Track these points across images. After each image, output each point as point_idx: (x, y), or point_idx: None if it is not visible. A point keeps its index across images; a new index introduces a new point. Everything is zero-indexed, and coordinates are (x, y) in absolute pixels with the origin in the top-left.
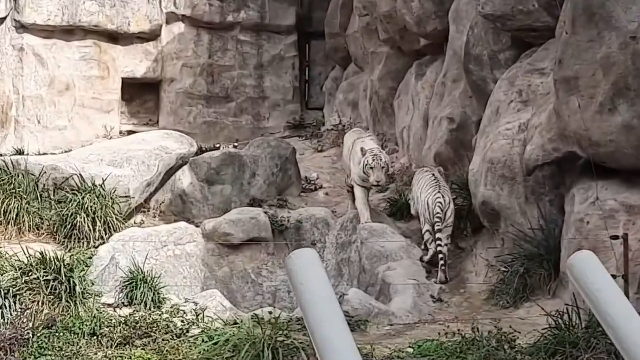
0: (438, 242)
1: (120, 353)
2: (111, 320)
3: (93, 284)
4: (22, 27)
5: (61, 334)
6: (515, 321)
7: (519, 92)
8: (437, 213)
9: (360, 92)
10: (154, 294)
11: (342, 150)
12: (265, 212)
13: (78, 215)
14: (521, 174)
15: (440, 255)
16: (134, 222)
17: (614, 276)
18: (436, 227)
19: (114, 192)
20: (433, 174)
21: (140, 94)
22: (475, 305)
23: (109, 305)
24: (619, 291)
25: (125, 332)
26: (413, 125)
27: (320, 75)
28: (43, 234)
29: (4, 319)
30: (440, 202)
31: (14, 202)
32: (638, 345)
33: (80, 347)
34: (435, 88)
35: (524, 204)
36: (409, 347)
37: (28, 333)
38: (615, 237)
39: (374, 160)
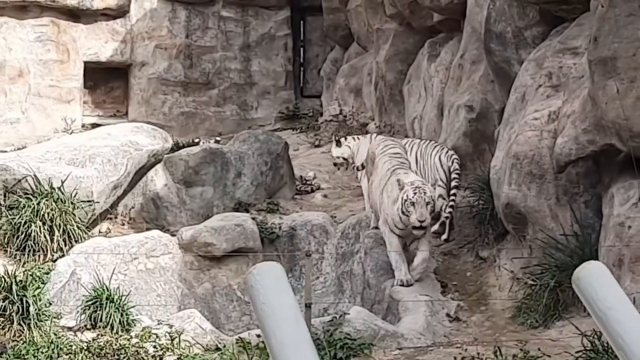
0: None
1: None
2: (71, 346)
3: (50, 304)
4: None
5: None
6: (545, 343)
7: (549, 76)
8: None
9: (364, 77)
10: (122, 315)
11: (367, 174)
12: (253, 219)
13: (33, 224)
14: (551, 171)
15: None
16: (99, 232)
17: None
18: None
19: (75, 196)
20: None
21: (106, 81)
22: (499, 324)
23: (69, 328)
24: (632, 309)
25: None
26: (426, 115)
27: (317, 57)
28: None
29: None
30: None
31: None
32: None
33: None
34: (451, 71)
35: (554, 206)
36: None
37: None
38: None
39: (415, 194)
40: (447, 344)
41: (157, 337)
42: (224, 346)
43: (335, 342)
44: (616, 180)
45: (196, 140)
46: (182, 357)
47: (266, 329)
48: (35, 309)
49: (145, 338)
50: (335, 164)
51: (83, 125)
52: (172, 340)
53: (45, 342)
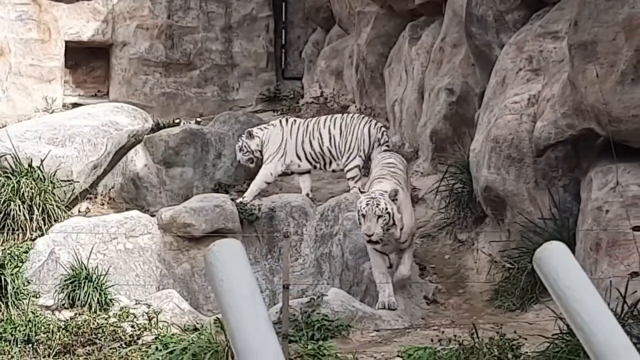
0: None
1: None
2: (49, 325)
3: (29, 282)
4: None
5: None
6: (522, 326)
7: (529, 59)
8: None
9: (345, 59)
10: (100, 294)
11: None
12: (233, 200)
13: (12, 202)
14: (530, 154)
15: None
16: (78, 211)
17: (636, 274)
18: None
19: (54, 175)
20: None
21: (87, 61)
22: (476, 307)
23: (47, 307)
24: (592, 288)
25: (65, 339)
26: (406, 98)
27: (299, 39)
28: None
29: None
30: None
31: None
32: (610, 349)
33: (13, 356)
34: (432, 54)
35: (533, 189)
36: (398, 356)
37: None
38: (639, 229)
39: (367, 205)
40: (425, 326)
41: (134, 316)
42: (202, 326)
43: (313, 323)
44: (594, 165)
45: (177, 121)
46: (159, 337)
47: (224, 306)
48: (14, 288)
49: (123, 318)
50: (250, 160)
51: (64, 105)
52: (150, 320)
53: (23, 320)
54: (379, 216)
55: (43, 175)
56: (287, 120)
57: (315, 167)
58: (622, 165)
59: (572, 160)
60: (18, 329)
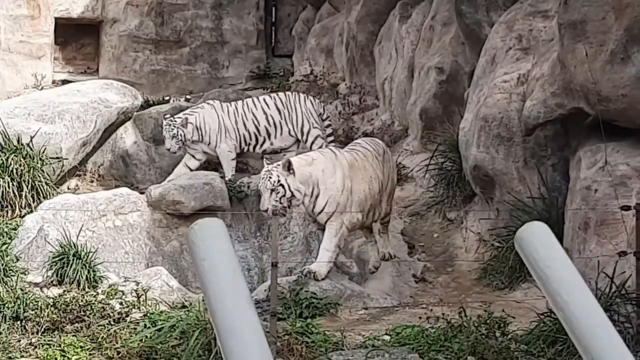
0: None
1: (48, 340)
2: (38, 302)
3: (17, 259)
4: None
5: None
6: (510, 304)
7: (519, 38)
8: None
9: (335, 37)
10: (88, 271)
11: None
12: (222, 177)
13: (1, 179)
14: (520, 133)
15: None
16: (67, 188)
17: (624, 253)
18: None
19: (43, 152)
20: None
21: (77, 37)
22: (465, 286)
23: (36, 284)
24: (572, 269)
25: (54, 315)
26: (396, 76)
27: (289, 16)
28: None
29: None
30: None
31: None
32: (589, 328)
33: (1, 333)
34: (422, 33)
35: (522, 168)
36: (386, 334)
37: None
38: (627, 208)
39: (263, 179)
40: (413, 304)
41: (123, 294)
42: (191, 304)
43: (302, 301)
44: (583, 144)
45: (166, 98)
46: (148, 314)
47: (205, 285)
48: (2, 265)
49: (112, 295)
50: (180, 148)
51: (53, 82)
52: (139, 297)
53: (11, 297)
54: (272, 190)
55: (32, 152)
56: (215, 102)
57: (242, 150)
58: (611, 144)
59: (561, 140)
60: (6, 305)
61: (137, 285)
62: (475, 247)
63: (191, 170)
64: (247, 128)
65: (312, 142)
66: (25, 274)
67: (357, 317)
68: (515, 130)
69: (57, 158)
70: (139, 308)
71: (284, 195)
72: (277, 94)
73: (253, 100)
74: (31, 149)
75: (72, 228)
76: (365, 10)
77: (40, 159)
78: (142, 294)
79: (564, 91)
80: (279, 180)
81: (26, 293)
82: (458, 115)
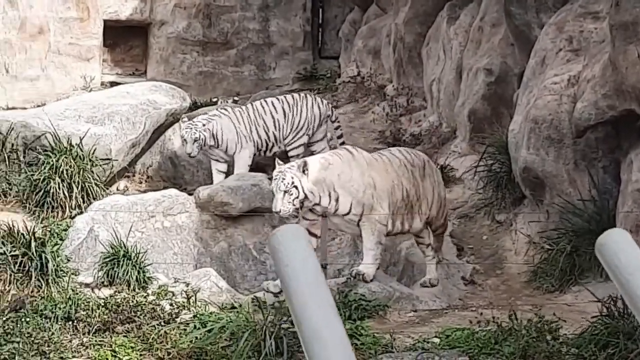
0: None
1: (99, 340)
2: (89, 302)
3: (68, 260)
4: None
5: (31, 318)
6: (561, 308)
7: (569, 40)
8: None
9: (382, 39)
10: (138, 272)
11: None
12: (270, 178)
13: (52, 180)
14: (570, 135)
15: None
16: (117, 189)
17: None
18: None
19: (93, 153)
20: None
21: (126, 39)
22: (514, 288)
23: (87, 285)
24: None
25: (105, 316)
26: (444, 78)
27: (336, 18)
28: (11, 201)
29: None
30: None
31: None
32: None
33: (53, 333)
34: (471, 34)
35: (573, 170)
36: (436, 336)
37: None
38: None
39: (275, 180)
40: (463, 307)
41: (173, 294)
42: (240, 305)
43: (350, 303)
44: (635, 146)
45: (214, 100)
46: (197, 315)
47: (289, 291)
48: (54, 265)
49: (162, 296)
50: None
51: (102, 84)
52: (188, 298)
53: (63, 298)
54: (285, 191)
55: (82, 154)
56: (232, 109)
57: (254, 155)
58: None
59: (612, 141)
60: (58, 306)
61: (187, 287)
62: (525, 250)
63: (225, 173)
64: (259, 134)
65: (294, 148)
66: (76, 275)
67: (406, 320)
68: (566, 132)
69: (107, 159)
70: (188, 309)
71: (297, 197)
72: (285, 97)
73: (262, 104)
74: (81, 150)
75: (121, 229)
76: (413, 12)
77: (90, 160)
78: (192, 295)
79: (615, 93)
80: (293, 182)
81: (77, 294)
82: (507, 116)
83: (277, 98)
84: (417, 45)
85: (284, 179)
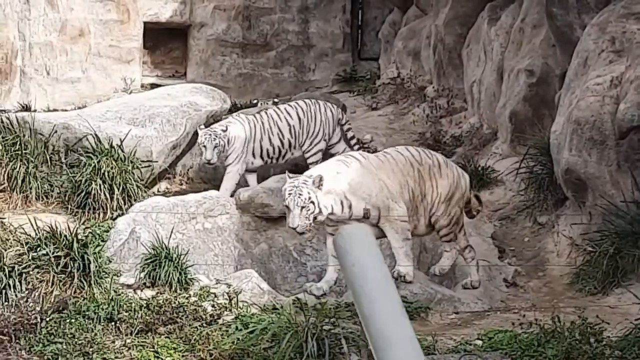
0: None
1: (142, 341)
2: (131, 303)
3: (110, 261)
4: None
5: (74, 318)
6: (604, 310)
7: (612, 41)
8: None
9: (422, 40)
10: (180, 273)
11: None
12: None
13: (93, 182)
14: (613, 137)
15: None
16: (157, 191)
17: None
18: None
19: (134, 155)
20: None
21: (166, 42)
22: (557, 291)
23: (129, 286)
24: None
25: (147, 317)
26: (485, 79)
27: (375, 19)
28: (53, 202)
29: (9, 301)
30: None
31: (20, 167)
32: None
33: (96, 334)
34: (512, 35)
35: (615, 172)
36: (478, 339)
37: (36, 317)
38: None
39: (290, 195)
40: (505, 309)
41: (215, 296)
42: (282, 307)
43: None
44: None
45: (254, 102)
46: (239, 317)
47: (357, 290)
48: (96, 267)
49: (204, 297)
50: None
51: (142, 85)
52: (230, 299)
53: (105, 298)
54: (302, 207)
55: (123, 155)
56: (245, 118)
57: (266, 163)
58: None
59: None
60: (101, 307)
61: (229, 288)
62: (567, 252)
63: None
64: (272, 142)
65: (312, 154)
66: (117, 276)
67: (448, 322)
68: (609, 134)
69: (148, 161)
70: (230, 310)
71: (313, 212)
72: (298, 103)
73: (277, 112)
74: (122, 152)
75: (162, 230)
76: (453, 13)
77: (131, 161)
78: (234, 297)
79: None
80: (309, 197)
81: (119, 295)
82: (548, 118)
83: (289, 105)
84: (457, 47)
85: (300, 194)
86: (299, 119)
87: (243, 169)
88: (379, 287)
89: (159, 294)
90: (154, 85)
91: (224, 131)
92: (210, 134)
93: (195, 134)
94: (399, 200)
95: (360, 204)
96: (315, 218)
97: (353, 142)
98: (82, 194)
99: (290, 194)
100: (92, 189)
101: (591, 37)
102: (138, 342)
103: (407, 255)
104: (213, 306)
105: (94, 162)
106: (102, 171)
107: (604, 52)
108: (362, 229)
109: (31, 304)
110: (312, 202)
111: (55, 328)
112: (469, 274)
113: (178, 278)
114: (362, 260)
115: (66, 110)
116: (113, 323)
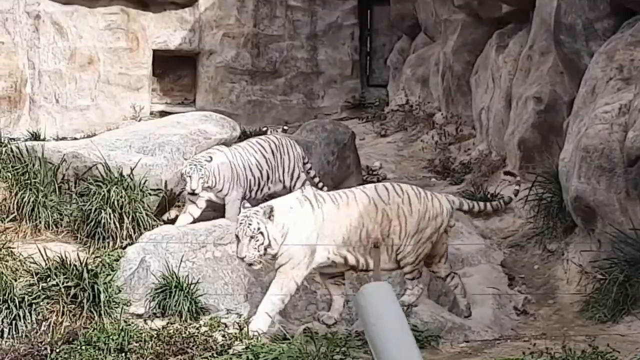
0: None
1: None
2: (141, 333)
3: (120, 291)
4: None
5: (84, 349)
6: (614, 338)
7: (620, 68)
8: None
9: (431, 67)
10: (190, 303)
11: None
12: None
13: (103, 211)
14: (622, 164)
15: None
16: (167, 219)
17: None
18: None
19: (144, 183)
20: None
21: (175, 69)
22: (567, 318)
23: (139, 316)
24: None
25: (157, 347)
26: (493, 106)
27: (384, 46)
28: (62, 231)
29: (18, 332)
30: None
31: (29, 195)
32: None
33: None
34: (520, 62)
35: (624, 199)
36: None
37: (45, 348)
38: None
39: (241, 224)
40: (515, 337)
41: (225, 326)
42: (292, 336)
43: None
44: None
45: (263, 129)
46: (250, 347)
47: (377, 349)
48: (106, 296)
49: (214, 327)
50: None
51: (151, 113)
52: (241, 329)
53: (115, 329)
54: (251, 237)
55: (133, 184)
56: (226, 148)
57: (245, 197)
58: None
59: None
60: (111, 337)
61: (239, 317)
62: (577, 279)
63: (194, 219)
64: (253, 173)
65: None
66: (127, 306)
67: (458, 350)
68: (617, 161)
69: (158, 189)
70: (241, 340)
71: (262, 244)
72: (268, 137)
73: (251, 144)
74: (132, 181)
75: (172, 259)
76: (462, 40)
77: (141, 190)
78: (244, 326)
79: None
80: (259, 228)
81: (129, 325)
82: (557, 145)
83: (260, 138)
84: (465, 74)
85: (250, 224)
86: (273, 153)
87: (240, 193)
88: (398, 348)
89: (169, 324)
90: (163, 113)
91: (209, 161)
92: (195, 164)
93: None
94: (322, 252)
95: (284, 246)
96: (265, 250)
97: (317, 179)
98: (92, 223)
99: (241, 223)
100: (101, 217)
101: (599, 64)
102: None
103: (272, 304)
104: (223, 336)
105: (103, 191)
106: (112, 200)
107: (612, 80)
108: (382, 286)
109: (41, 335)
110: (261, 233)
111: (66, 359)
112: (457, 303)
113: (188, 307)
114: (382, 320)
115: (75, 139)
116: (123, 354)
